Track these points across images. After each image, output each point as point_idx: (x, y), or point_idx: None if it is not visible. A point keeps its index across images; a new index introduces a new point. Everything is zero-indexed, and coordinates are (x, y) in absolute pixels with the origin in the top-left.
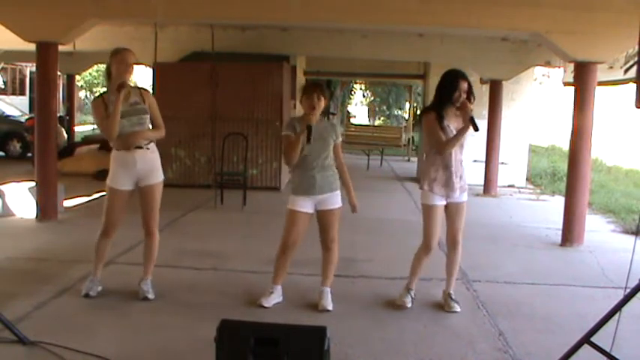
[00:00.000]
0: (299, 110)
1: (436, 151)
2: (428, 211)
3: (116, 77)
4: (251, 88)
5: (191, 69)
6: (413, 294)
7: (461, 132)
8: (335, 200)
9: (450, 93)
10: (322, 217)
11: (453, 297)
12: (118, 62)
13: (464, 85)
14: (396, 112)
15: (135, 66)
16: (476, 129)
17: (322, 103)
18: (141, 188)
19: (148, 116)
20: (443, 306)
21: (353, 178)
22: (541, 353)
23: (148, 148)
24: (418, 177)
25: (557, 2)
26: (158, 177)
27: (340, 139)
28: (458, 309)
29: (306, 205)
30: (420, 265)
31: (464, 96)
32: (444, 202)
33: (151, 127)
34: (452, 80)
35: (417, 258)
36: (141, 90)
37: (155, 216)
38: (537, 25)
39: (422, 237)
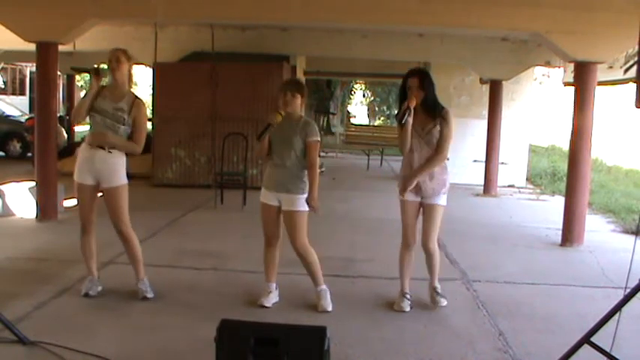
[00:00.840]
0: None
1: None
2: (400, 205)
3: (108, 76)
4: (251, 88)
5: (191, 69)
6: (409, 297)
7: (404, 128)
8: (294, 202)
9: (403, 92)
10: (284, 218)
11: (439, 291)
12: (108, 61)
13: (413, 82)
14: (395, 112)
15: (127, 64)
16: (399, 123)
17: (296, 101)
18: (102, 189)
19: (125, 128)
20: (430, 301)
21: (353, 178)
22: (541, 353)
23: (110, 152)
24: None
25: (557, 2)
26: (118, 180)
27: (315, 138)
28: (444, 303)
29: (269, 198)
30: (404, 263)
31: (415, 91)
32: (417, 199)
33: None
34: (403, 80)
35: (400, 256)
36: (136, 101)
37: (121, 219)
38: (537, 25)
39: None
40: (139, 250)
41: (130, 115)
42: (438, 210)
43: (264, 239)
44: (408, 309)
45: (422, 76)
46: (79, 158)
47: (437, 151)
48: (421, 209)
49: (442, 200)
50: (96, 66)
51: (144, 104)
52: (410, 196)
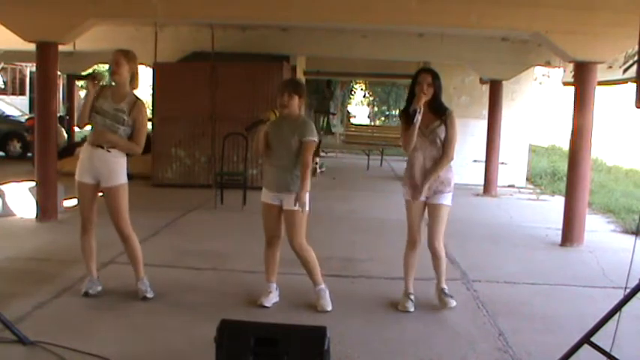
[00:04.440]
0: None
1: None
2: (406, 205)
3: (105, 75)
4: (251, 88)
5: (191, 69)
6: (413, 297)
7: (412, 127)
8: (293, 202)
9: (412, 88)
10: (284, 217)
11: (447, 292)
12: (110, 63)
13: (424, 79)
14: (395, 113)
15: (128, 66)
16: (411, 120)
17: (295, 101)
18: (103, 189)
19: (124, 128)
20: (438, 302)
21: (353, 178)
22: (541, 353)
23: (109, 151)
24: None
25: (557, 2)
26: (118, 180)
27: (310, 137)
28: (453, 304)
29: (270, 197)
30: (409, 263)
31: (426, 88)
32: (422, 199)
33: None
34: (415, 76)
35: (405, 256)
36: (137, 102)
37: (122, 218)
38: (537, 25)
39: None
40: (139, 250)
41: (130, 116)
42: (443, 210)
43: (265, 239)
44: (412, 309)
45: (434, 74)
46: (80, 158)
47: (444, 153)
48: (426, 209)
49: (447, 200)
50: (92, 71)
51: (144, 105)
52: (412, 196)
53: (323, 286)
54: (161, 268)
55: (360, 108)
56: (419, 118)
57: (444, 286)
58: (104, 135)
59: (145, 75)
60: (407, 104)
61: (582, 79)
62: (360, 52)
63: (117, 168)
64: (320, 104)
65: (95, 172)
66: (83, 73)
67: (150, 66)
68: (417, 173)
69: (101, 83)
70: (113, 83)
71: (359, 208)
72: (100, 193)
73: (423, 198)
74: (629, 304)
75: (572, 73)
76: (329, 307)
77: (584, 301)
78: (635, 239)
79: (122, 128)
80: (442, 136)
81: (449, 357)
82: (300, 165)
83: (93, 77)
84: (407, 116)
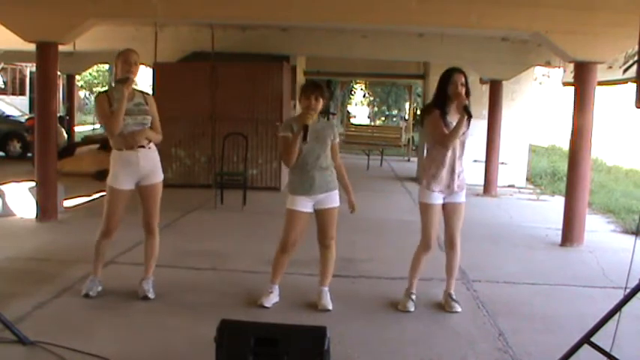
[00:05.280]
0: (299, 110)
1: (440, 145)
2: (425, 209)
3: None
4: (251, 88)
5: (191, 69)
6: (414, 297)
7: (459, 122)
8: (333, 199)
9: (445, 86)
10: (321, 216)
11: (454, 297)
12: (122, 62)
13: (459, 78)
14: (394, 113)
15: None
16: (469, 116)
17: (320, 104)
18: (142, 187)
19: (150, 118)
20: (444, 306)
21: (353, 178)
22: (541, 353)
23: (149, 148)
24: (418, 177)
25: (557, 2)
26: (159, 176)
27: (338, 139)
28: (459, 309)
29: (305, 205)
30: (419, 264)
31: (460, 88)
32: (441, 201)
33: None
34: (447, 75)
35: (416, 257)
36: (144, 93)
37: (156, 215)
38: (537, 25)
39: (420, 236)
40: (157, 249)
41: (148, 106)
42: (462, 207)
43: (282, 245)
44: (412, 309)
45: (465, 75)
46: (116, 165)
47: (462, 153)
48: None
49: (464, 197)
50: (125, 76)
51: (150, 95)
52: (435, 199)
53: (327, 288)
54: (161, 268)
55: (360, 108)
56: (468, 113)
57: (452, 291)
58: (144, 133)
59: (145, 75)
60: (433, 103)
61: (582, 79)
62: (360, 52)
63: (159, 163)
64: None
65: (140, 175)
66: (119, 78)
67: (150, 66)
68: (446, 174)
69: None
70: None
71: (359, 208)
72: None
73: (441, 200)
74: (629, 304)
75: (572, 73)
76: (330, 306)
77: (584, 301)
78: (635, 239)
79: (149, 119)
80: (467, 137)
81: (449, 357)
82: (336, 167)
83: (127, 82)
84: (442, 114)
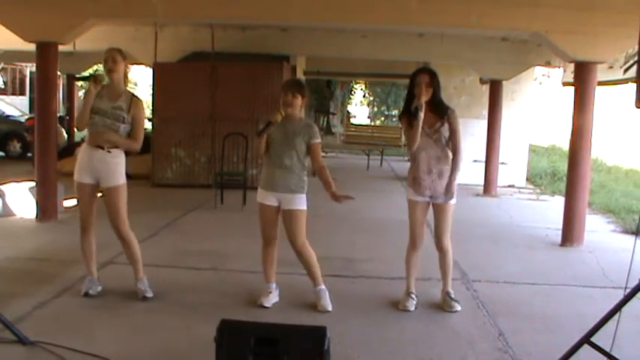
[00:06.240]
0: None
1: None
2: (409, 206)
3: (105, 76)
4: (251, 88)
5: (191, 69)
6: (414, 296)
7: (415, 123)
8: (294, 202)
9: (411, 89)
10: (283, 217)
11: (452, 296)
12: (104, 62)
13: (423, 79)
14: (394, 113)
15: (123, 64)
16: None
17: (298, 101)
18: (102, 189)
19: (125, 126)
20: (443, 306)
21: (353, 178)
22: (541, 353)
23: (109, 152)
24: None
25: (557, 2)
26: (117, 180)
27: (318, 140)
28: (458, 308)
29: (268, 198)
30: (411, 263)
31: (423, 88)
32: (425, 199)
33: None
34: (413, 76)
35: (406, 257)
36: (133, 99)
37: (120, 219)
38: (537, 25)
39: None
40: (138, 250)
41: (129, 113)
42: (449, 208)
43: (263, 240)
44: (412, 308)
45: (431, 74)
46: (78, 158)
47: (455, 153)
48: (429, 209)
49: (450, 199)
50: (93, 72)
51: (142, 102)
52: (419, 197)
53: (323, 286)
54: (161, 268)
55: (360, 108)
56: (421, 115)
57: (450, 290)
58: (104, 135)
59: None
60: (405, 105)
61: (582, 79)
62: (360, 52)
63: (116, 168)
64: (320, 104)
65: (94, 173)
66: (84, 74)
67: (150, 66)
68: (422, 173)
69: (102, 84)
70: (104, 82)
71: (359, 208)
72: (99, 194)
73: (427, 198)
74: (629, 304)
75: (572, 73)
76: (329, 307)
77: (584, 301)
78: (635, 239)
79: (122, 126)
80: (446, 135)
81: (449, 357)
82: (317, 168)
83: (94, 78)
84: (408, 116)
